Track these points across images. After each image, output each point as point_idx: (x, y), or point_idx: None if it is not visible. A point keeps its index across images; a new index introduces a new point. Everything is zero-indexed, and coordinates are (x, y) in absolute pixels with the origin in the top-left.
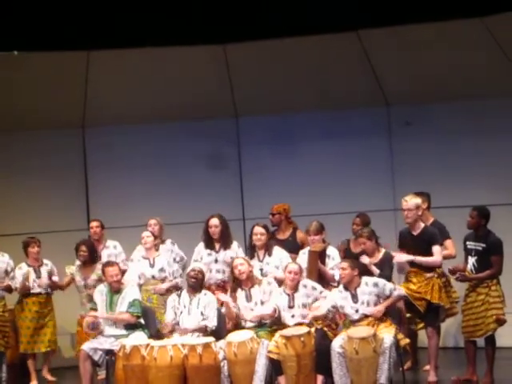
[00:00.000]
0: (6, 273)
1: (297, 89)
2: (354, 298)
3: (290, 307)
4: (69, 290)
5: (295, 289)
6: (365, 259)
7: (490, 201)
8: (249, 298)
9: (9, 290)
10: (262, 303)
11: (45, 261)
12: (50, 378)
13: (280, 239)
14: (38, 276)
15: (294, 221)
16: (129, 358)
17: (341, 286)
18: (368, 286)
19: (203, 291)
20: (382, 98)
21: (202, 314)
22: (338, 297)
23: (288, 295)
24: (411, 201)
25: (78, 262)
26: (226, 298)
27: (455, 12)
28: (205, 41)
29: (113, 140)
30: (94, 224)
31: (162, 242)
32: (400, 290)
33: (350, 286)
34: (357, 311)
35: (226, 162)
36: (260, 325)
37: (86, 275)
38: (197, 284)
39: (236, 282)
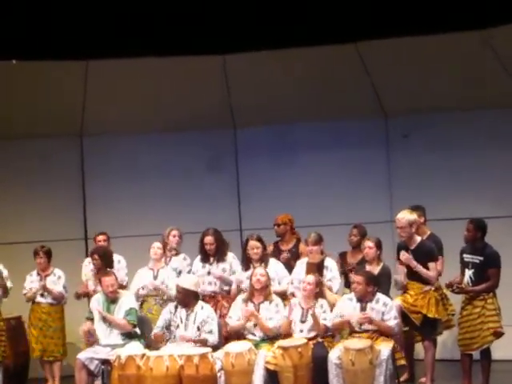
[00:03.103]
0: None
1: (295, 100)
2: (363, 310)
3: (302, 321)
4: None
5: (311, 304)
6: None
7: (487, 213)
8: (257, 312)
9: (4, 289)
10: (267, 320)
11: (56, 270)
12: None
13: (283, 250)
14: (43, 286)
15: (297, 232)
16: (124, 368)
17: (352, 294)
18: (378, 303)
19: (199, 304)
20: (380, 110)
21: (198, 329)
22: (346, 305)
23: (302, 309)
24: (404, 219)
25: (90, 267)
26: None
27: (454, 24)
28: (204, 51)
29: (110, 149)
30: (100, 238)
31: (177, 253)
32: (396, 326)
33: (362, 299)
34: (361, 324)
35: (223, 172)
36: (262, 340)
37: (97, 283)
38: (183, 302)
39: (251, 293)
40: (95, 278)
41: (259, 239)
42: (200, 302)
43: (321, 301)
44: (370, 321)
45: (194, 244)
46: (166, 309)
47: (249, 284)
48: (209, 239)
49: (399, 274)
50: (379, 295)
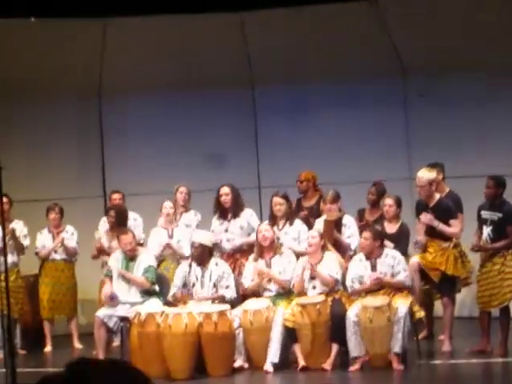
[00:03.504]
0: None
1: (313, 60)
2: (374, 268)
3: (312, 278)
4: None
5: (318, 260)
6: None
7: (506, 170)
8: (268, 268)
9: (18, 247)
10: (280, 273)
11: (67, 227)
12: (77, 345)
13: (306, 206)
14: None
15: (320, 188)
16: (144, 325)
17: (361, 255)
18: (387, 257)
19: (213, 261)
20: (398, 67)
21: (214, 285)
22: (357, 266)
23: (311, 266)
24: (424, 178)
25: (106, 226)
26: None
27: None
28: (222, 9)
29: (128, 108)
30: (115, 196)
31: (187, 210)
32: (406, 278)
33: (370, 256)
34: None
35: (241, 131)
36: (278, 294)
37: (111, 240)
38: (199, 258)
39: (260, 250)
40: (108, 234)
41: (284, 196)
42: (214, 259)
43: (327, 254)
44: (381, 282)
45: (212, 202)
46: (180, 268)
47: (256, 242)
48: (225, 190)
49: (420, 235)
50: (387, 250)
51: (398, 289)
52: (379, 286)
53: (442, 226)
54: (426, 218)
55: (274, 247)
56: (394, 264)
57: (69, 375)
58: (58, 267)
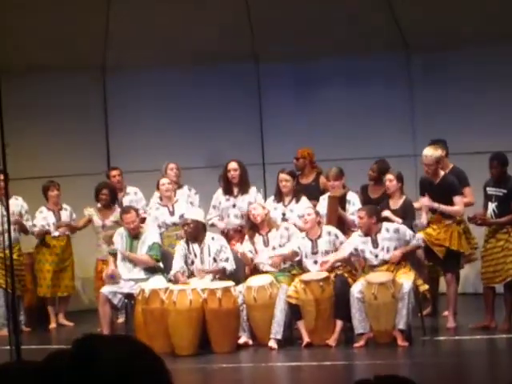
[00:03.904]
0: (21, 215)
1: (318, 35)
2: (374, 243)
3: (314, 253)
4: (86, 233)
5: (318, 235)
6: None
7: (509, 147)
8: (266, 243)
9: (24, 231)
10: (280, 246)
11: (64, 205)
12: (66, 322)
13: (303, 184)
14: (58, 220)
15: (318, 166)
16: (148, 302)
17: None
18: (389, 232)
19: (209, 236)
20: (402, 43)
21: (214, 260)
22: (358, 241)
23: (311, 241)
24: (432, 156)
25: (98, 205)
26: (241, 248)
27: None
28: None
29: (132, 84)
30: (114, 172)
31: (179, 187)
32: (419, 240)
33: (369, 233)
34: (376, 256)
35: (246, 106)
36: (279, 269)
37: (104, 217)
38: (193, 235)
39: (253, 228)
40: (101, 213)
41: (290, 173)
42: (209, 233)
43: (326, 228)
44: (400, 255)
45: (216, 178)
46: (179, 246)
47: (247, 222)
48: (233, 165)
49: (421, 219)
50: (386, 224)
51: (400, 265)
52: (380, 258)
53: (442, 207)
54: (426, 202)
55: (269, 223)
56: (400, 236)
57: (76, 351)
58: (62, 244)
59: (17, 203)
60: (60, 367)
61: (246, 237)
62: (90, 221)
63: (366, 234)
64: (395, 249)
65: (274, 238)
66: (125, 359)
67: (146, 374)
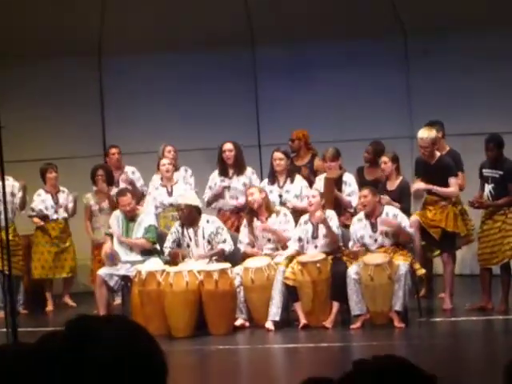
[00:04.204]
0: (12, 195)
1: (314, 18)
2: (374, 227)
3: (314, 237)
4: (81, 217)
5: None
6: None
7: (506, 128)
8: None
9: (23, 205)
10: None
11: (62, 188)
12: (70, 303)
13: (298, 165)
14: (56, 202)
15: (313, 147)
16: (144, 284)
17: (361, 214)
18: (389, 215)
19: (204, 218)
20: (398, 26)
21: (209, 242)
22: (357, 227)
23: (313, 225)
24: (428, 138)
25: (94, 188)
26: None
27: None
28: None
29: (128, 67)
30: (113, 150)
31: (177, 169)
32: (411, 230)
33: (371, 214)
34: (375, 241)
35: (242, 89)
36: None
37: (101, 200)
38: (188, 219)
39: (252, 213)
40: (98, 195)
41: (284, 152)
42: (204, 216)
43: (328, 212)
44: (390, 224)
45: (213, 160)
46: (173, 228)
47: (247, 208)
48: (228, 146)
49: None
50: (387, 208)
51: (398, 247)
52: (379, 243)
53: (437, 189)
54: (420, 186)
55: (268, 208)
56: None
57: (69, 332)
58: (61, 226)
59: (7, 184)
60: (53, 349)
61: (244, 222)
62: (88, 206)
63: (368, 216)
64: (393, 234)
65: (273, 224)
66: (119, 339)
67: (141, 354)
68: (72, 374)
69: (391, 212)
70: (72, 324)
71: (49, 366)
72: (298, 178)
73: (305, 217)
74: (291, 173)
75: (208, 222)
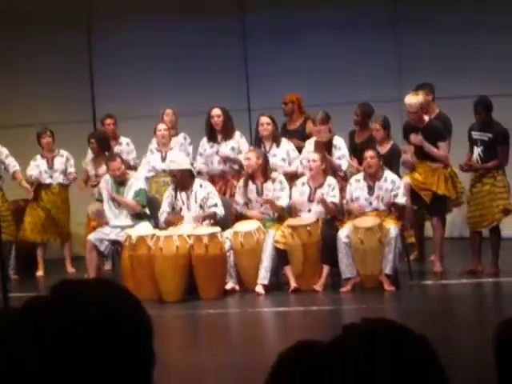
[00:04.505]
0: (1, 162)
1: None
2: (371, 190)
3: (310, 201)
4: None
5: (319, 184)
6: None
7: (495, 91)
8: (260, 193)
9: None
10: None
11: (61, 151)
12: (70, 269)
13: (291, 129)
14: (50, 167)
15: (306, 111)
16: (135, 249)
17: (359, 175)
18: (387, 181)
19: (197, 182)
20: None
21: (200, 207)
22: (354, 187)
23: (310, 188)
24: (416, 104)
25: (90, 155)
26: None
27: None
28: None
29: (117, 31)
30: (108, 121)
31: (175, 134)
32: (403, 200)
33: (372, 176)
34: (370, 204)
35: (231, 52)
36: (269, 218)
37: (97, 166)
38: (180, 184)
39: (249, 176)
40: (94, 162)
41: (271, 117)
42: (197, 180)
43: (329, 179)
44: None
45: (202, 124)
46: (167, 193)
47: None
48: (216, 111)
49: (407, 154)
50: (387, 173)
51: (389, 212)
52: (372, 207)
53: (431, 148)
54: (417, 138)
55: (265, 173)
56: (393, 188)
57: (54, 295)
58: (54, 191)
59: None
60: (39, 312)
61: (240, 183)
62: (86, 172)
63: (367, 178)
64: (388, 200)
65: (267, 189)
66: (104, 301)
67: (127, 316)
68: (58, 337)
69: (390, 177)
70: (57, 288)
71: (35, 330)
72: (284, 141)
73: (302, 179)
74: (276, 137)
75: (201, 186)
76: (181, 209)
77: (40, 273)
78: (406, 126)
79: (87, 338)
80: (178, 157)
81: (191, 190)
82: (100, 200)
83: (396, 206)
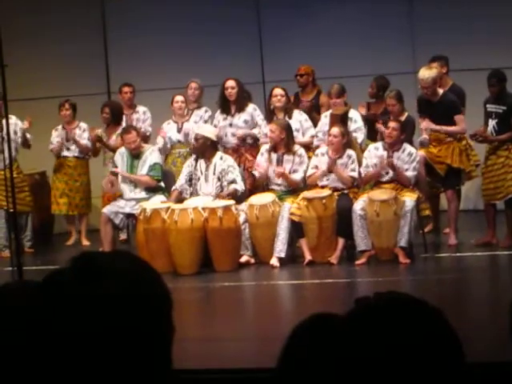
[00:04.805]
0: (15, 133)
1: None
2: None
3: (329, 171)
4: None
5: (340, 155)
6: (425, 124)
7: (509, 63)
8: (280, 163)
9: (27, 145)
10: (290, 173)
11: (81, 124)
12: (84, 242)
13: (303, 100)
14: (68, 139)
15: (318, 84)
16: (149, 221)
17: (379, 143)
18: (404, 153)
19: (218, 155)
20: None
21: (218, 179)
22: (373, 154)
23: (330, 158)
24: (429, 78)
25: (104, 125)
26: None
27: None
28: None
29: (131, 3)
30: (126, 89)
31: (198, 107)
32: (413, 178)
33: (392, 146)
34: (387, 173)
35: (245, 25)
36: (286, 190)
37: (109, 136)
38: (200, 150)
39: (271, 147)
40: (105, 131)
41: (284, 89)
42: (219, 153)
43: (349, 151)
44: (393, 166)
45: (215, 96)
46: (187, 162)
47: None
48: (230, 83)
49: (424, 135)
50: (406, 145)
51: (404, 184)
52: (388, 177)
53: (444, 128)
54: (424, 124)
55: (288, 145)
56: (408, 160)
57: (75, 267)
58: (70, 164)
59: (10, 122)
60: (59, 285)
61: (262, 149)
62: (100, 140)
63: (388, 147)
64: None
65: (287, 161)
66: (124, 273)
67: (147, 288)
68: (79, 309)
69: (408, 149)
70: (77, 260)
71: (56, 303)
72: (296, 112)
73: (322, 149)
74: (289, 110)
75: (222, 158)
76: (199, 178)
77: (70, 242)
78: (419, 100)
79: (108, 311)
80: (205, 125)
81: (211, 162)
82: (114, 173)
83: (401, 177)
